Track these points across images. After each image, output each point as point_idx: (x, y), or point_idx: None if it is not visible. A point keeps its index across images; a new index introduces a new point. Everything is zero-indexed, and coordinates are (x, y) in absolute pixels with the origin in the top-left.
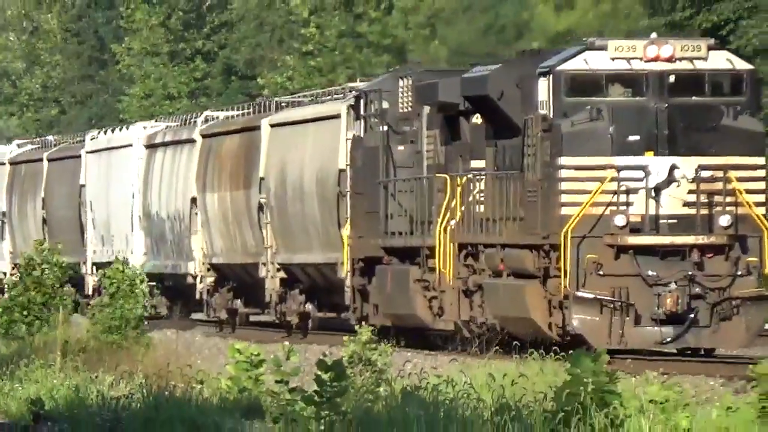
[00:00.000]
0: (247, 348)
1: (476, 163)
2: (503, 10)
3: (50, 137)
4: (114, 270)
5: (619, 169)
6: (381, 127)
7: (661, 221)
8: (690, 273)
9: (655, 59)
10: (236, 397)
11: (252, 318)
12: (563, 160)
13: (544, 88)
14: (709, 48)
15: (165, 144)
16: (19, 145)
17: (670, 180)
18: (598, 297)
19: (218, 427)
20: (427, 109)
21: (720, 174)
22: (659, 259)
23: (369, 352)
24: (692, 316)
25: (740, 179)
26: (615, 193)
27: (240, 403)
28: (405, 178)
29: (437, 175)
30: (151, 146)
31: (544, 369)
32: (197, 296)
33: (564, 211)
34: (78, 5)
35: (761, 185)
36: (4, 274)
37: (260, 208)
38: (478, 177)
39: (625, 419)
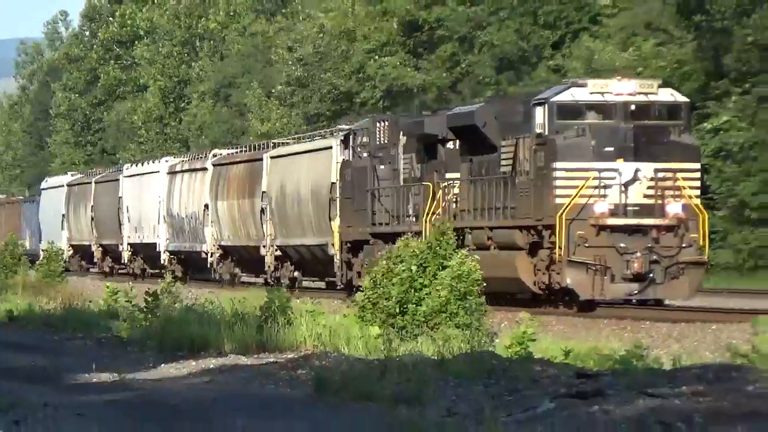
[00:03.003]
0: (112, 285)
1: (450, 175)
2: (233, 122)
3: (95, 170)
4: (48, 248)
5: (599, 171)
6: (364, 154)
7: (629, 208)
8: (650, 245)
9: (621, 93)
10: (106, 309)
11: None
12: (558, 165)
13: (540, 113)
14: (659, 86)
15: (183, 171)
16: (72, 175)
17: (634, 179)
18: (585, 261)
19: (98, 323)
20: (403, 139)
21: (670, 175)
22: (627, 235)
23: (171, 287)
24: (651, 275)
25: (684, 179)
26: (596, 188)
27: (109, 312)
28: (386, 187)
29: (423, 183)
30: (172, 173)
31: (260, 295)
32: (208, 266)
33: (558, 201)
34: (29, 119)
35: (698, 183)
36: (64, 250)
37: (262, 211)
38: (452, 184)
39: (294, 320)
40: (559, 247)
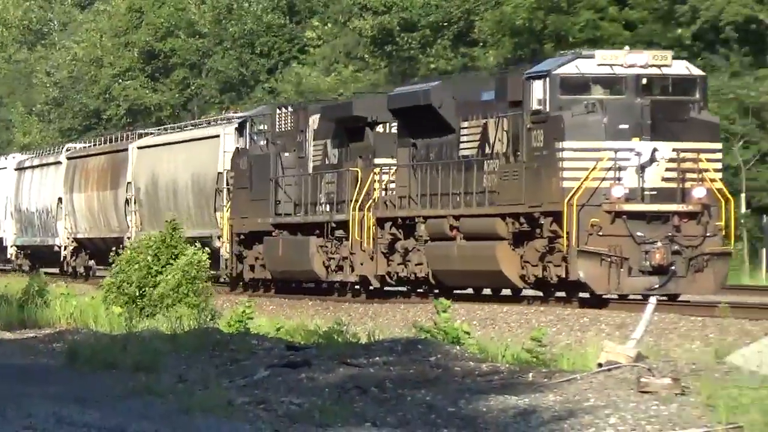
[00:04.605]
0: None
1: (380, 160)
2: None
3: None
4: None
5: (615, 151)
6: (262, 142)
7: (645, 193)
8: (670, 234)
9: (633, 65)
10: None
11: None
12: (566, 144)
13: (538, 88)
14: (673, 57)
15: (33, 166)
16: None
17: (652, 160)
18: (600, 252)
19: None
20: (314, 124)
21: (691, 156)
22: (646, 223)
23: (36, 281)
24: (673, 268)
25: (707, 160)
26: (611, 170)
27: None
28: (292, 175)
29: (350, 169)
30: (21, 168)
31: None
32: (61, 259)
33: (566, 184)
34: None
35: (719, 165)
36: None
37: (126, 202)
38: (386, 169)
39: (50, 301)
40: (568, 237)
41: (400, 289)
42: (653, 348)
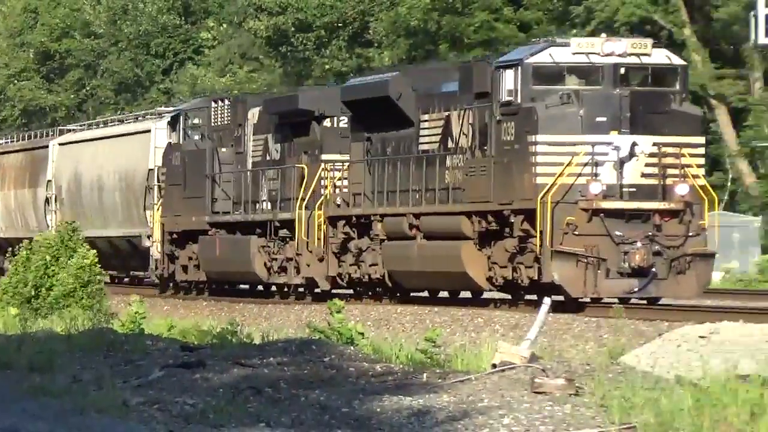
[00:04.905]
0: None
1: (328, 156)
2: None
3: None
4: None
5: (592, 144)
6: (196, 136)
7: (624, 189)
8: (651, 233)
9: (611, 54)
10: None
11: None
12: (539, 138)
13: (510, 77)
14: (653, 46)
15: None
16: None
17: (631, 154)
18: (576, 252)
19: None
20: (254, 118)
21: (672, 150)
22: (624, 222)
23: None
24: (654, 270)
25: (690, 155)
26: (587, 165)
27: None
28: (230, 171)
29: (296, 165)
30: None
31: None
32: None
33: (539, 180)
34: None
35: (702, 160)
36: None
37: (47, 201)
38: (337, 165)
39: None
40: (542, 236)
41: (349, 291)
42: (547, 349)
